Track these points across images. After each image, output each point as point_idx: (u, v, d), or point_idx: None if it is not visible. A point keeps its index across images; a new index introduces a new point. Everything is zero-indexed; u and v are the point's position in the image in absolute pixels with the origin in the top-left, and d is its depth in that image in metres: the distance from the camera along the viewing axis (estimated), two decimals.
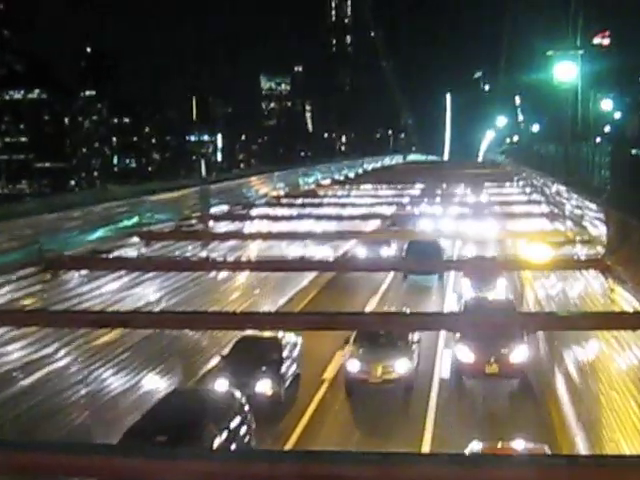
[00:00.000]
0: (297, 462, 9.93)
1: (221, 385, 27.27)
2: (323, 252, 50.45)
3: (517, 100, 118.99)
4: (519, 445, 20.78)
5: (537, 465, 10.44)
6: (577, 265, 24.77)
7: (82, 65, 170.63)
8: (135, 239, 27.97)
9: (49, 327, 20.08)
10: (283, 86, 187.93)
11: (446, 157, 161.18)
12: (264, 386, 27.58)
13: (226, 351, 30.13)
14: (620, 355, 18.27)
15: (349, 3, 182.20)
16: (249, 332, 29.59)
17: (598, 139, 59.01)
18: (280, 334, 30.59)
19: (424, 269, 42.78)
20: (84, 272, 23.36)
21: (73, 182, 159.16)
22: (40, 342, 20.09)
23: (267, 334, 30.42)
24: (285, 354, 29.75)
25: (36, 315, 19.84)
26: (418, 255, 46.08)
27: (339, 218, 45.09)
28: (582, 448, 21.53)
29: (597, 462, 11.26)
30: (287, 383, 29.14)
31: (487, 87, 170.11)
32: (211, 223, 34.61)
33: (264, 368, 28.09)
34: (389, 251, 54.36)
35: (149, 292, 27.13)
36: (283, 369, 29.01)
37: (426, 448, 24.48)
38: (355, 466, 9.65)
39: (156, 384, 26.61)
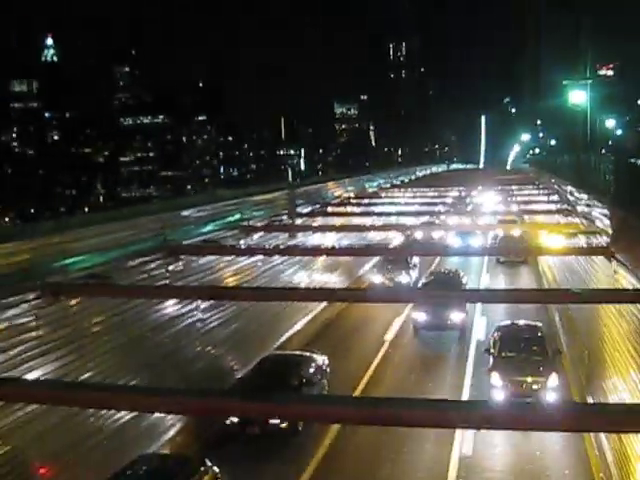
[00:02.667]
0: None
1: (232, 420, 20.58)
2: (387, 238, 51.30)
3: (538, 120, 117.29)
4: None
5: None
6: (588, 252, 24.49)
7: (196, 97, 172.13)
8: (237, 231, 28.28)
9: (172, 299, 20.50)
10: (352, 111, 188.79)
11: (481, 165, 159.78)
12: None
13: (245, 372, 24.14)
14: (621, 324, 18.05)
15: (404, 45, 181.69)
16: (273, 352, 26.06)
17: (603, 150, 58.08)
18: (307, 353, 25.44)
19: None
20: (198, 258, 23.74)
21: (189, 187, 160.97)
22: (167, 310, 20.54)
23: (292, 354, 25.75)
24: (307, 377, 23.12)
25: (163, 289, 20.26)
26: (440, 286, 34.56)
27: (398, 214, 45.28)
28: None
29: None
30: None
31: (514, 110, 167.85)
32: (297, 220, 34.66)
33: None
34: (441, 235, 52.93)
35: (247, 273, 27.37)
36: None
37: None
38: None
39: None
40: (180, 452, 19.10)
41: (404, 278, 41.59)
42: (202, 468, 16.18)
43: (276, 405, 10.59)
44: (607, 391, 19.01)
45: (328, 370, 24.94)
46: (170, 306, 20.68)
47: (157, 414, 18.29)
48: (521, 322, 28.18)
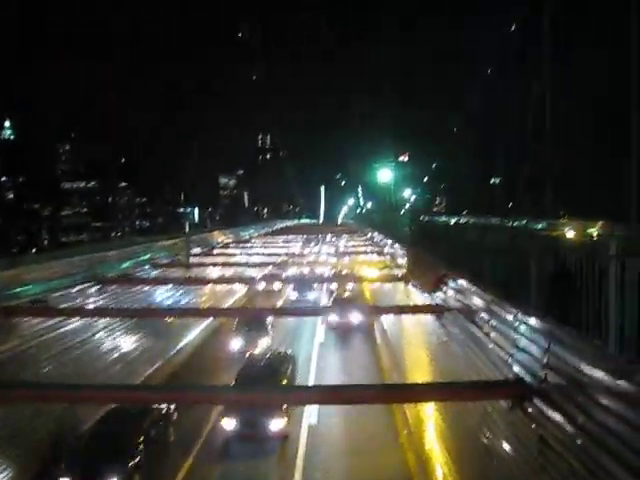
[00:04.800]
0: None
1: None
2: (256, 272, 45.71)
3: (359, 190, 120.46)
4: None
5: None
6: (392, 279, 25.12)
7: (119, 167, 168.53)
8: (148, 267, 27.52)
9: (100, 317, 19.44)
10: (232, 181, 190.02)
11: (321, 221, 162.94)
12: None
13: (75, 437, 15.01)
14: (414, 328, 18.65)
15: (268, 136, 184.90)
16: (111, 407, 15.62)
17: (402, 211, 60.12)
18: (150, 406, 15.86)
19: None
20: (118, 287, 22.76)
21: (113, 234, 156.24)
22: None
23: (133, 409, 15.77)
24: (148, 436, 14.89)
25: (92, 311, 19.32)
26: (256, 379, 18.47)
27: (264, 254, 44.24)
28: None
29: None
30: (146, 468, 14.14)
31: (343, 182, 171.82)
32: (191, 258, 33.90)
33: (113, 464, 13.51)
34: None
35: (156, 298, 26.33)
36: (138, 459, 14.07)
37: None
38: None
39: None
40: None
41: (264, 342, 26.11)
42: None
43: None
44: (409, 372, 19.45)
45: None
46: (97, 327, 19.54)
47: None
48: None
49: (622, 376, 5.76)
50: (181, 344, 25.72)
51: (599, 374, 6.21)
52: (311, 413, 18.14)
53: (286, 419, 16.58)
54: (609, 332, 6.28)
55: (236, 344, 25.99)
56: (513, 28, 18.13)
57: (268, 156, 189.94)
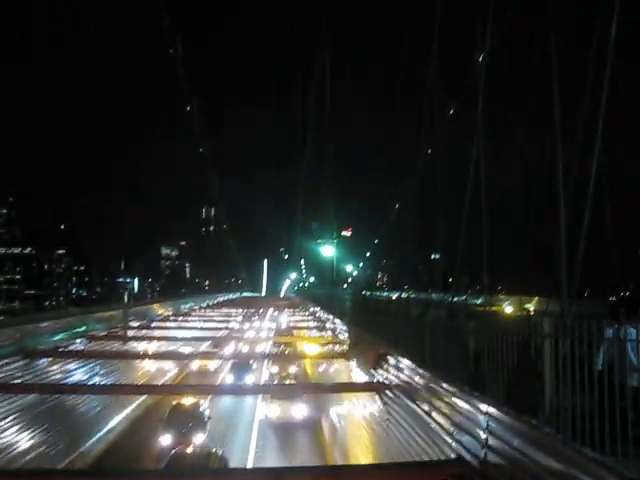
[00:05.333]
0: None
1: None
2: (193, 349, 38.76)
3: (302, 263, 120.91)
4: None
5: None
6: (333, 355, 24.96)
7: (58, 233, 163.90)
8: (83, 339, 26.49)
9: (25, 393, 18.32)
10: (174, 252, 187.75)
11: (264, 294, 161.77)
12: None
13: None
14: (356, 406, 18.41)
15: (212, 210, 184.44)
16: None
17: (345, 285, 60.55)
18: None
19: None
20: (49, 360, 21.65)
21: (47, 303, 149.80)
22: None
23: None
24: None
25: (18, 386, 18.22)
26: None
27: (202, 329, 42.85)
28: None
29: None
30: None
31: (286, 256, 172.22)
32: (128, 331, 32.75)
33: None
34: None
35: (88, 372, 25.05)
36: None
37: None
38: None
39: None
40: None
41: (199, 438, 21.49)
42: None
43: None
44: (349, 455, 19.03)
45: None
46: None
47: None
48: None
49: (556, 455, 5.81)
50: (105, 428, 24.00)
51: (536, 454, 6.24)
52: None
53: None
54: (546, 410, 6.37)
55: (165, 439, 21.61)
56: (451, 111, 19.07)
57: (211, 228, 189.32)
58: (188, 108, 43.30)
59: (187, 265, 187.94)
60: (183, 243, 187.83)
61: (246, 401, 30.17)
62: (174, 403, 23.87)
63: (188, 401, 23.90)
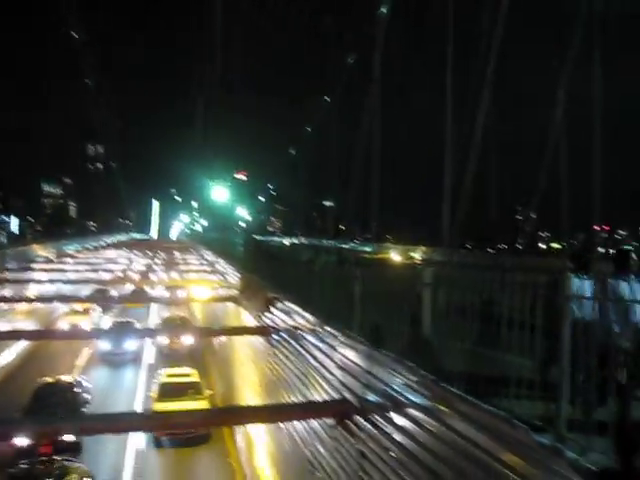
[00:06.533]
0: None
1: None
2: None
3: (195, 205, 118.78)
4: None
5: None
6: (224, 299, 24.95)
7: None
8: None
9: None
10: (57, 190, 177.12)
11: (155, 236, 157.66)
12: None
13: None
14: (246, 348, 18.69)
15: (100, 148, 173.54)
16: None
17: (238, 230, 60.39)
18: None
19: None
20: None
21: None
22: None
23: None
24: None
25: None
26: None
27: (88, 271, 41.24)
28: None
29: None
30: None
31: (179, 198, 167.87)
32: (6, 273, 30.95)
33: None
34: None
35: None
36: None
37: None
38: None
39: None
40: None
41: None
42: None
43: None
44: (238, 398, 19.41)
45: None
46: None
47: None
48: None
49: (429, 393, 6.27)
50: None
51: (413, 394, 6.69)
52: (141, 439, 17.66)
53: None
54: (422, 353, 6.80)
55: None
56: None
57: (99, 166, 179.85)
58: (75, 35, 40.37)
59: (73, 205, 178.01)
60: (68, 181, 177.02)
61: (134, 346, 29.79)
62: (41, 382, 21.53)
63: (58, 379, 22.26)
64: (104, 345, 28.78)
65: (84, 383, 22.77)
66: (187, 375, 23.49)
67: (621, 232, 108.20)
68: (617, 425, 3.90)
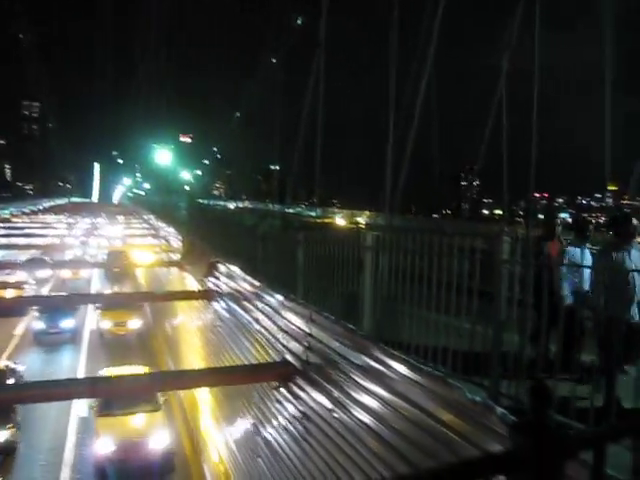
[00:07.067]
0: None
1: None
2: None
3: (137, 168, 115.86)
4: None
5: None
6: (167, 264, 24.75)
7: None
8: None
9: None
10: None
11: (96, 200, 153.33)
12: None
13: None
14: (189, 313, 18.62)
15: (36, 106, 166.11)
16: None
17: (181, 194, 59.47)
18: None
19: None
20: None
21: None
22: None
23: None
24: None
25: None
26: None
27: (24, 236, 39.67)
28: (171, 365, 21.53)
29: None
30: None
31: (121, 161, 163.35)
32: None
33: None
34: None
35: None
36: None
37: None
38: None
39: None
40: None
41: None
42: None
43: None
44: (183, 361, 19.36)
45: None
46: None
47: None
48: None
49: (369, 355, 6.42)
50: None
51: (351, 354, 6.83)
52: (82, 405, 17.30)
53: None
54: (363, 316, 6.94)
55: None
56: None
57: (35, 126, 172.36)
58: None
59: (7, 167, 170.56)
60: (2, 142, 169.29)
61: (77, 311, 29.07)
62: None
63: None
64: (38, 324, 25.80)
65: (17, 368, 19.43)
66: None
67: (559, 200, 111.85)
68: (533, 379, 4.12)
